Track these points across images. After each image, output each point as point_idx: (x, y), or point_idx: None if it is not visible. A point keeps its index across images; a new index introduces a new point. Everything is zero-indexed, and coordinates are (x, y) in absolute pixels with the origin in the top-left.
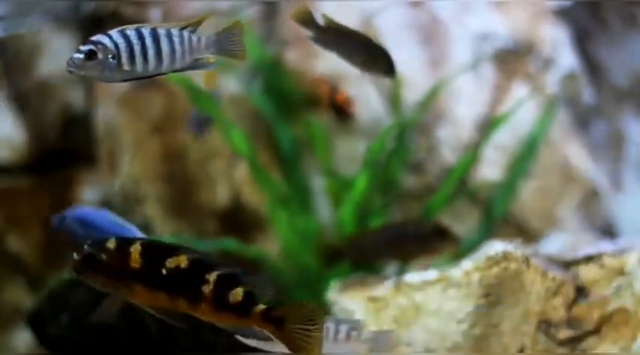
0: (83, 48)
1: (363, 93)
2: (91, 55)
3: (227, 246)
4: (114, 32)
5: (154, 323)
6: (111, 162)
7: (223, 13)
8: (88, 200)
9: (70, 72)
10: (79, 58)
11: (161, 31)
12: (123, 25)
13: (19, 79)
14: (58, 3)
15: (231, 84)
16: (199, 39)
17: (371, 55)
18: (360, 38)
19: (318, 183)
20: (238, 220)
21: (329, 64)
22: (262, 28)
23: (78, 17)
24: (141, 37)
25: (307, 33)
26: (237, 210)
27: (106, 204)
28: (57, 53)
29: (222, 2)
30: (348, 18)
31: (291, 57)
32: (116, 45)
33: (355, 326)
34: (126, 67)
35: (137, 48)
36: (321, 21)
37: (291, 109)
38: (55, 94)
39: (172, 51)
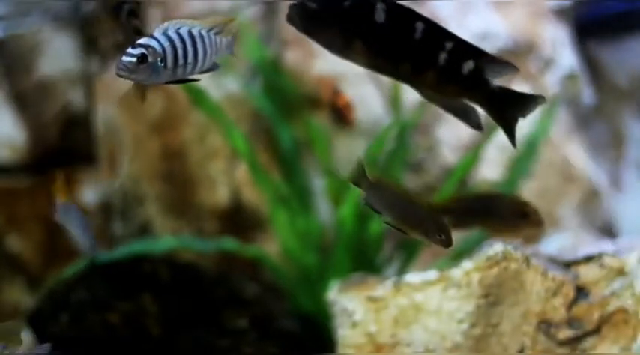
0: (134, 51)
1: (363, 93)
2: (142, 59)
3: (227, 245)
4: (158, 34)
5: (155, 324)
6: (111, 162)
7: (223, 13)
8: (88, 200)
9: (121, 76)
10: (131, 62)
11: (195, 33)
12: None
13: (19, 79)
14: (58, 3)
15: (231, 84)
16: (221, 40)
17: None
18: (411, 199)
19: (318, 183)
20: (238, 220)
21: (329, 64)
22: (262, 28)
23: (78, 17)
24: (182, 40)
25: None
26: (237, 210)
27: (106, 203)
28: (57, 53)
29: (222, 2)
30: None
31: (291, 57)
32: (163, 48)
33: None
34: (169, 69)
35: (180, 51)
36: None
37: (291, 109)
38: (55, 94)
39: (205, 53)
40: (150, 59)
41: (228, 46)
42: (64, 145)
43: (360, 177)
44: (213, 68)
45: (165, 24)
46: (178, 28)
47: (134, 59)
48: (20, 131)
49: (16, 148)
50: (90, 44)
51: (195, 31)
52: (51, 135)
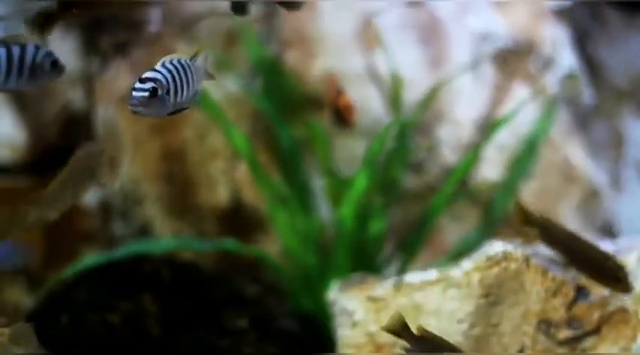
0: (144, 86)
1: (363, 93)
2: (154, 93)
3: (227, 246)
4: (160, 67)
5: (155, 324)
6: (111, 163)
7: (223, 13)
8: (88, 200)
9: (135, 112)
10: (144, 97)
11: (184, 63)
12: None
13: None
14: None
15: (231, 84)
16: (200, 67)
17: None
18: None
19: (318, 183)
20: (238, 220)
21: (329, 64)
22: (262, 28)
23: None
24: (178, 71)
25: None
26: (237, 210)
27: (106, 204)
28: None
29: (222, 2)
30: (349, 18)
31: (291, 57)
32: (167, 79)
33: None
34: (172, 101)
35: (178, 81)
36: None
37: (291, 109)
38: (55, 94)
39: (193, 81)
40: (159, 92)
41: (204, 72)
42: (64, 145)
43: (401, 329)
44: (197, 95)
45: (163, 58)
46: (171, 60)
47: (146, 93)
48: (20, 131)
49: (16, 148)
50: (90, 44)
51: (183, 62)
52: (51, 135)
